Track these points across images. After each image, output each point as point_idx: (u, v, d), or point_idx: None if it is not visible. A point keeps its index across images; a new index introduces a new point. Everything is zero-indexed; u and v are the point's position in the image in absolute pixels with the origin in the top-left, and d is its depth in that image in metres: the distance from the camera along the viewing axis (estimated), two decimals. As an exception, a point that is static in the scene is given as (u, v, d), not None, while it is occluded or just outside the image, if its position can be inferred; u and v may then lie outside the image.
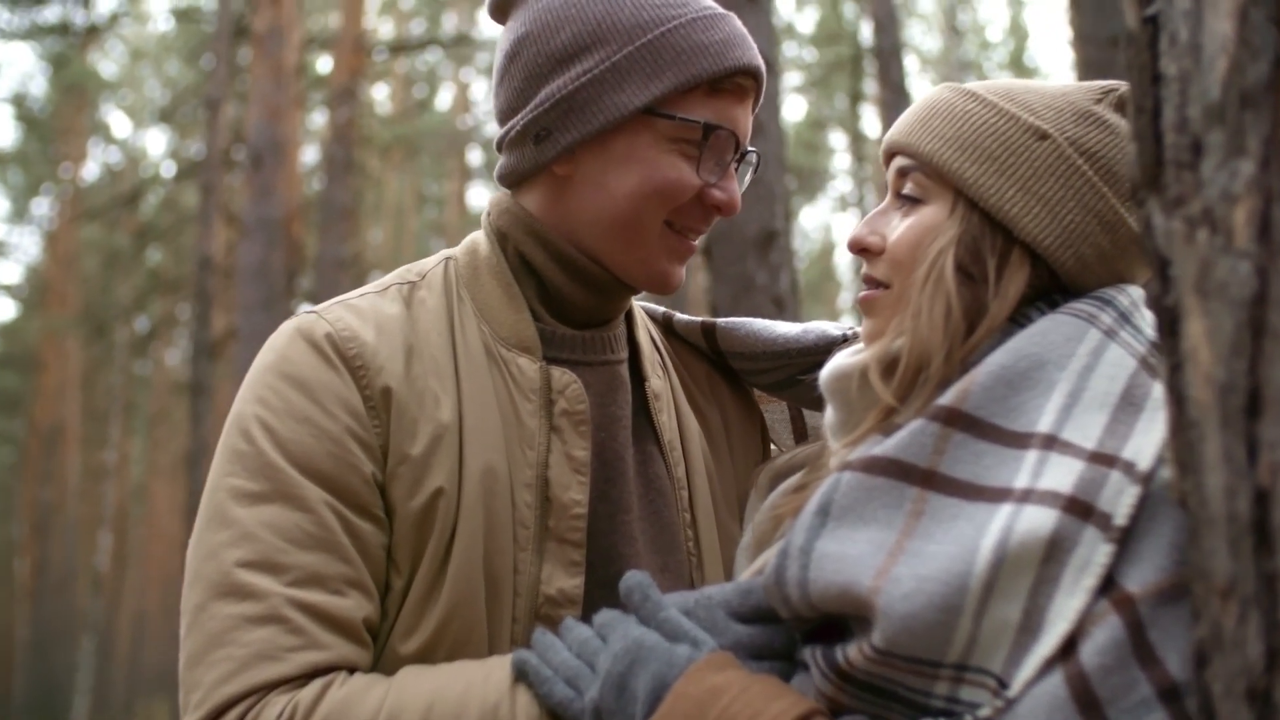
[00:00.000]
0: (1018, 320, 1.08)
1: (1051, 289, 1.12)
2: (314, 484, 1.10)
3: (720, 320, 1.42)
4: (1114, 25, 5.38)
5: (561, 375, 1.22)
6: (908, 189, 1.17)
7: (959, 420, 1.00)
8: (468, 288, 1.26)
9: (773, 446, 1.51)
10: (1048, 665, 0.88)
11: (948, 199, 1.13)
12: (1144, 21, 0.82)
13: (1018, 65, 26.69)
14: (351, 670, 1.08)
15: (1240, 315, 0.69)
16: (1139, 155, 0.83)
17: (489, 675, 1.06)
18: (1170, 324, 0.82)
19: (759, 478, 1.38)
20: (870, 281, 1.19)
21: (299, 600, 1.05)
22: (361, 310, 1.21)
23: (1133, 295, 1.09)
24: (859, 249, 1.20)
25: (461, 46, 21.79)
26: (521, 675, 1.06)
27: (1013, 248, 1.10)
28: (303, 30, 13.46)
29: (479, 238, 1.32)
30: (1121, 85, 1.14)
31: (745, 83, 1.24)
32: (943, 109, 1.16)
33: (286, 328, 1.21)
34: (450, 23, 24.18)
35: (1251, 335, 0.69)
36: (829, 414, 1.21)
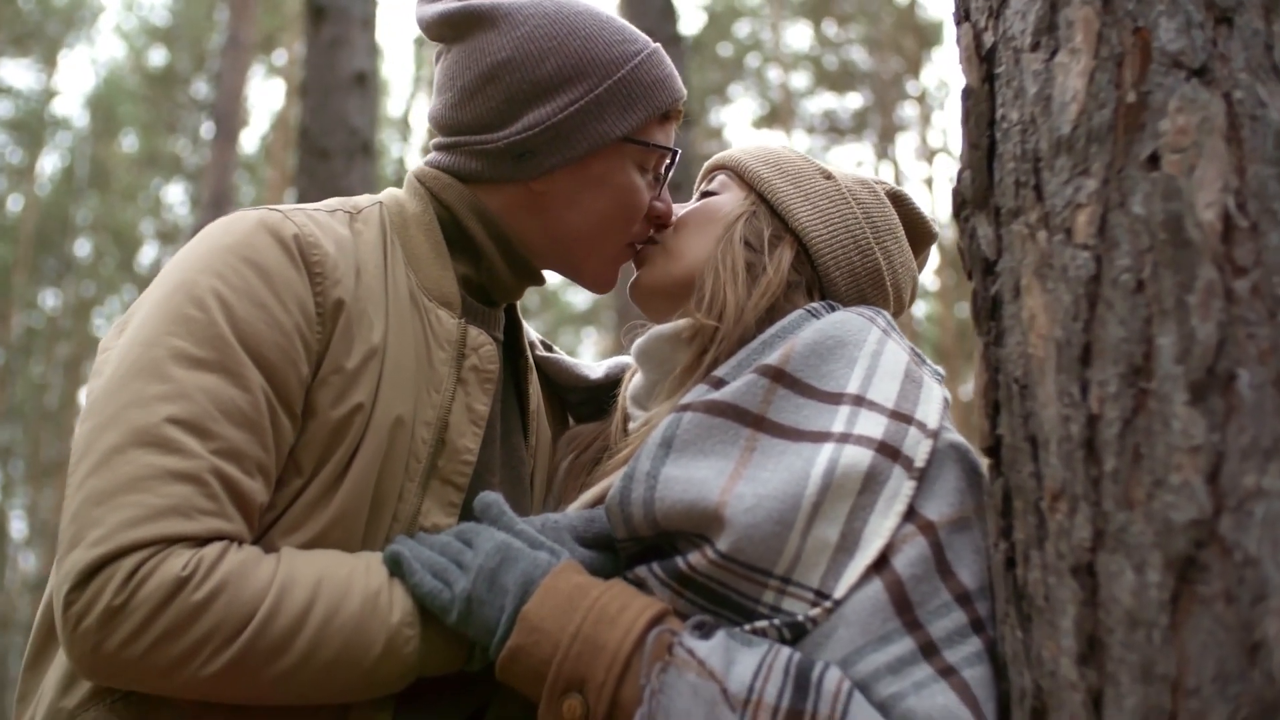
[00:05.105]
0: (810, 311, 1.32)
1: (813, 288, 1.38)
2: (257, 368, 1.14)
3: (539, 353, 1.56)
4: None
5: (478, 335, 1.33)
6: (710, 186, 1.46)
7: (783, 379, 1.21)
8: (399, 234, 1.34)
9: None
10: (867, 574, 1.08)
11: (742, 192, 1.43)
12: (984, 80, 1.09)
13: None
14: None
15: (1078, 290, 0.96)
16: (972, 181, 1.10)
17: (369, 565, 1.16)
18: (991, 309, 1.08)
19: (559, 445, 1.49)
20: (647, 241, 1.45)
21: (219, 470, 1.09)
22: (321, 223, 1.26)
23: (889, 315, 1.37)
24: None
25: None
26: (394, 566, 1.16)
27: (785, 233, 1.39)
28: None
29: (403, 197, 1.39)
30: (890, 183, 1.51)
31: (681, 108, 1.44)
32: (757, 144, 1.47)
33: (248, 217, 1.23)
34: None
35: (1088, 305, 0.95)
36: (639, 382, 1.41)
